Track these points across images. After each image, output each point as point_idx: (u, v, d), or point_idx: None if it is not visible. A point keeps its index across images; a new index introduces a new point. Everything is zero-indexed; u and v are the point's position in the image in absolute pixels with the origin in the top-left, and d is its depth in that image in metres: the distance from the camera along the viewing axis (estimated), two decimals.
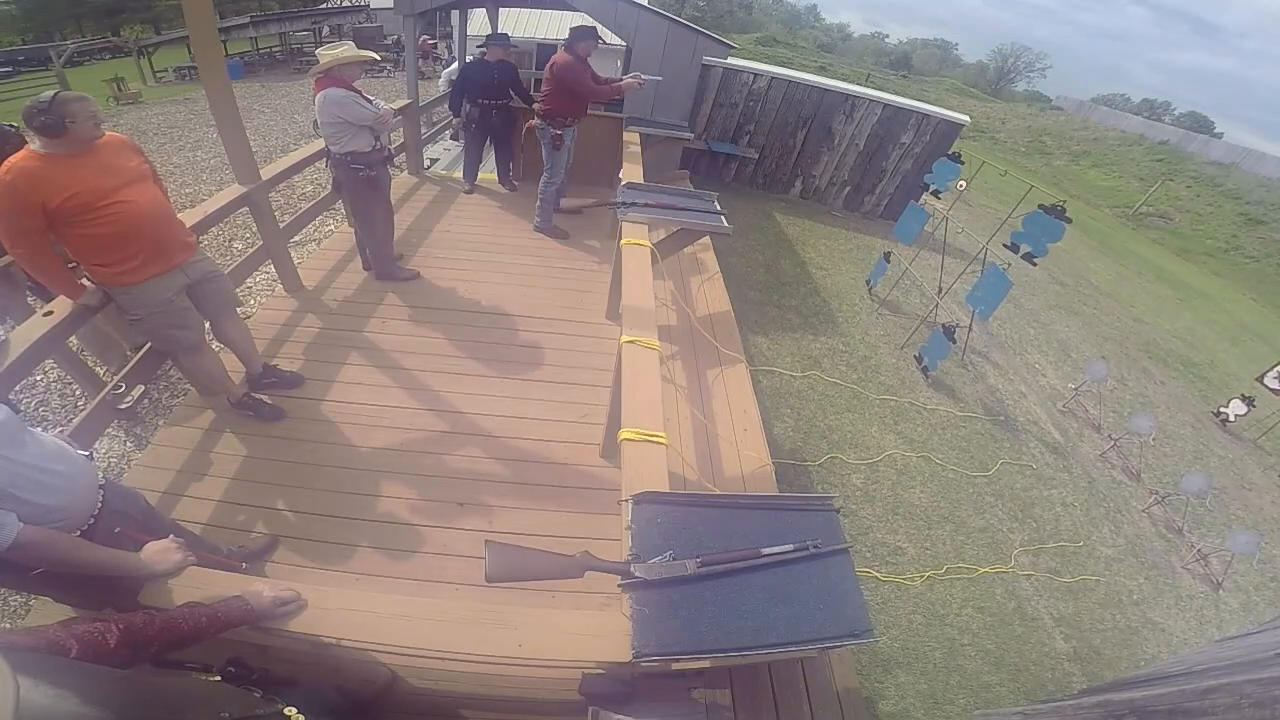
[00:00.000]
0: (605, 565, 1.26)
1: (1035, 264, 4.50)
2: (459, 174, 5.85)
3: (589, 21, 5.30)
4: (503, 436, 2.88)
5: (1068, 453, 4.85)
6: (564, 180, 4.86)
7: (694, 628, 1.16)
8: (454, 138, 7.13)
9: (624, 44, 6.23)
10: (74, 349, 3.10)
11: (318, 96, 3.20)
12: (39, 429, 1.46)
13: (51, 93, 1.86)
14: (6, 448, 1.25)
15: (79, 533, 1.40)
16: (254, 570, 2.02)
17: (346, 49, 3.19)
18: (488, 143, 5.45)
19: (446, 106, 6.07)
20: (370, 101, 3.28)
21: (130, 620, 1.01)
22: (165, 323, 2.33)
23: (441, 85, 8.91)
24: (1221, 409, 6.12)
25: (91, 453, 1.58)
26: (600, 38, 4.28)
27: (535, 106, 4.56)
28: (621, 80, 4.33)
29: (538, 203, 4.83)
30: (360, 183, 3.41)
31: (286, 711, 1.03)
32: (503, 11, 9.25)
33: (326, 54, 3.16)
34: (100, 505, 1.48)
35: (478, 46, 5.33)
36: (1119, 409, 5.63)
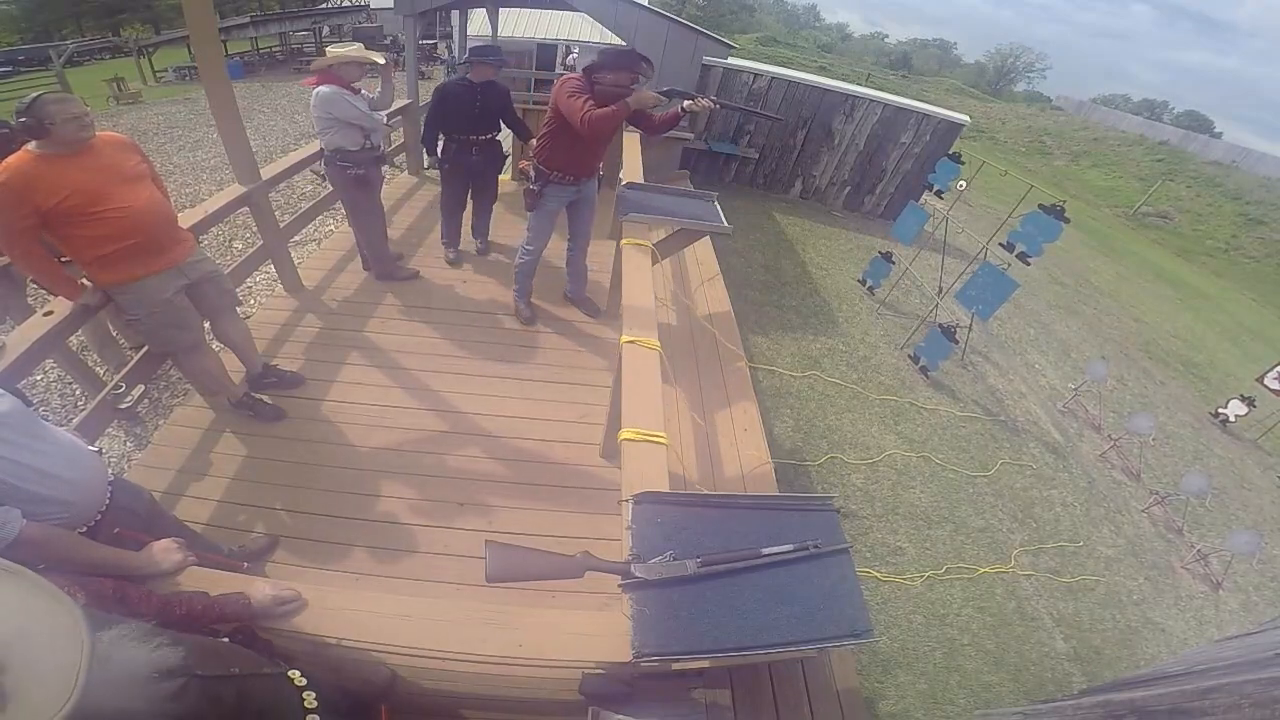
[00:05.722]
0: (605, 565, 1.26)
1: (1029, 264, 4.51)
2: None
3: (593, 25, 5.10)
4: (503, 436, 2.88)
5: (1068, 453, 4.85)
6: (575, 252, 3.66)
7: (694, 628, 1.16)
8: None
9: (624, 44, 6.21)
10: (74, 349, 3.10)
11: (312, 93, 3.22)
12: (49, 423, 1.46)
13: (34, 94, 1.87)
14: (12, 442, 1.25)
15: (85, 528, 1.41)
16: (254, 570, 2.02)
17: (357, 49, 3.23)
18: (468, 193, 4.18)
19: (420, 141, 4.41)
20: (370, 107, 3.30)
21: (126, 592, 1.06)
22: (164, 323, 2.33)
23: None
24: (1221, 409, 6.12)
25: (100, 448, 1.58)
26: (645, 72, 2.86)
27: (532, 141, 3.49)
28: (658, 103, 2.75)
29: (514, 287, 3.74)
30: (350, 182, 3.41)
31: (290, 674, 1.07)
32: (503, 11, 9.26)
33: (334, 51, 3.19)
34: (108, 501, 1.48)
35: (459, 63, 4.24)
36: (1119, 409, 5.63)
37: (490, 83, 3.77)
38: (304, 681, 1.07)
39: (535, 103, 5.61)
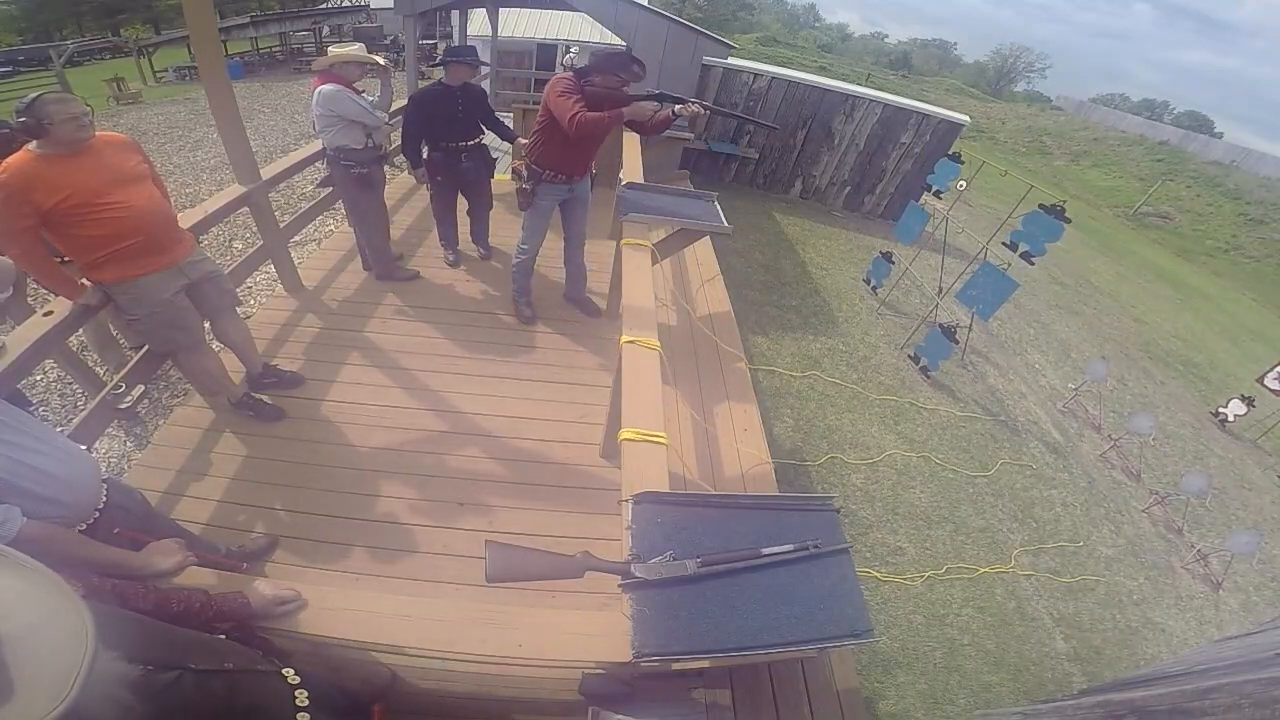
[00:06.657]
0: (605, 565, 1.26)
1: (1033, 263, 4.51)
2: None
3: (594, 25, 5.10)
4: (503, 436, 2.88)
5: (1068, 453, 4.85)
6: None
7: (694, 628, 1.16)
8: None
9: (624, 44, 6.22)
10: (74, 349, 3.10)
11: (314, 92, 3.24)
12: (45, 422, 1.46)
13: (34, 94, 1.87)
14: (6, 440, 1.25)
15: (84, 526, 1.41)
16: (254, 570, 2.02)
17: (357, 50, 3.26)
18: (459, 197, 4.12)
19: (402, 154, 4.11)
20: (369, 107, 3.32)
21: (124, 590, 1.06)
22: (164, 322, 2.33)
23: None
24: (1221, 409, 6.12)
25: (91, 449, 1.59)
26: (637, 75, 2.80)
27: (519, 140, 3.64)
28: (660, 103, 2.75)
29: (513, 286, 3.72)
30: (353, 181, 3.42)
31: (284, 672, 1.07)
32: (503, 11, 9.26)
33: (335, 50, 3.23)
34: (104, 500, 1.48)
35: (432, 64, 4.01)
36: (1119, 409, 5.63)
37: (467, 84, 3.65)
38: (297, 680, 1.07)
39: (534, 103, 5.61)
